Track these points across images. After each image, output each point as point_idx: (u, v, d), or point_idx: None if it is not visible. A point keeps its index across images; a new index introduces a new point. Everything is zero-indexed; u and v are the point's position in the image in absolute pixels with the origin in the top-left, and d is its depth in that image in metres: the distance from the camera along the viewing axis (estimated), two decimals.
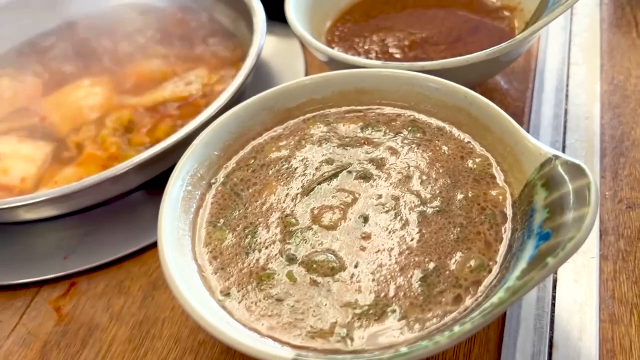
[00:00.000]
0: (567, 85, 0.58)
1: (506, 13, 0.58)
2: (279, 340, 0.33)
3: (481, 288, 0.34)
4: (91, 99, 0.64)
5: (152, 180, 0.52)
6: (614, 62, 0.59)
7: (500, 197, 0.38)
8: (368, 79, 0.46)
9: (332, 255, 0.37)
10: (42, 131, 0.61)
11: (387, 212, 0.39)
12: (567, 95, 0.57)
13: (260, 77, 0.65)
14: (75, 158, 0.57)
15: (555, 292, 0.42)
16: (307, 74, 0.65)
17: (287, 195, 0.41)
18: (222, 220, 0.40)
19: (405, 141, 0.43)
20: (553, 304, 0.41)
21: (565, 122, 0.54)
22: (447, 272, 0.35)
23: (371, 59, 0.55)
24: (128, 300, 0.46)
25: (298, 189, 0.41)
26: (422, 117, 0.45)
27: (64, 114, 0.62)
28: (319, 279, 0.36)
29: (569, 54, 0.61)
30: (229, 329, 0.32)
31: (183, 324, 0.44)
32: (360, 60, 0.49)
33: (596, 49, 0.61)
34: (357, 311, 0.34)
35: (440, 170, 0.41)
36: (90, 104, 0.63)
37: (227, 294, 0.36)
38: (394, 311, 0.34)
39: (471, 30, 0.57)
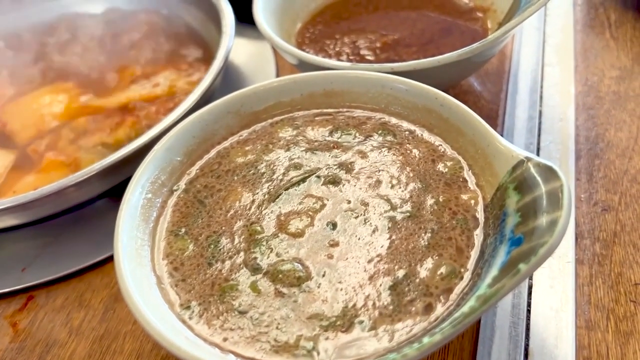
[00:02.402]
0: (542, 87, 0.57)
1: (479, 14, 0.57)
2: (241, 355, 0.32)
3: (452, 296, 0.33)
4: (54, 106, 0.61)
5: (117, 188, 0.50)
6: (587, 63, 0.59)
7: (472, 201, 0.37)
8: (337, 80, 0.45)
9: (298, 264, 0.35)
10: (2, 139, 0.59)
11: (356, 218, 0.37)
12: (541, 97, 0.56)
13: (230, 81, 0.63)
14: (35, 166, 0.55)
15: (530, 299, 0.40)
16: (278, 77, 0.63)
17: (252, 202, 0.39)
18: (183, 229, 0.38)
19: (376, 145, 0.42)
20: (528, 311, 0.40)
21: (539, 124, 0.53)
22: (418, 280, 0.34)
23: (342, 61, 0.54)
24: (88, 314, 0.44)
25: (264, 195, 0.40)
26: (393, 120, 0.44)
27: (25, 122, 0.60)
28: (285, 290, 0.34)
29: (543, 55, 0.61)
30: (187, 344, 0.31)
31: (145, 338, 0.42)
32: (330, 62, 0.48)
33: (570, 50, 0.61)
34: (324, 323, 0.32)
35: (411, 175, 0.39)
36: (52, 112, 0.60)
37: (187, 307, 0.34)
38: (361, 322, 0.32)
39: (444, 31, 0.56)
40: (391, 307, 0.33)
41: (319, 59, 0.48)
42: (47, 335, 0.43)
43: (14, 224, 0.49)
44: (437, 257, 0.35)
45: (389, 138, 0.42)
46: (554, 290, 0.41)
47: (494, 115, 0.54)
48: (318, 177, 0.40)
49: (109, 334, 0.42)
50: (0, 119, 0.61)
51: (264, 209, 0.39)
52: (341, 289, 0.34)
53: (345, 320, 0.32)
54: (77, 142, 0.56)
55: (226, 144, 0.44)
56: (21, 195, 0.45)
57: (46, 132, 0.58)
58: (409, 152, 0.41)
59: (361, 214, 0.37)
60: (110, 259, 0.47)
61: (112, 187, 0.50)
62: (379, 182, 0.39)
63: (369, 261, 0.35)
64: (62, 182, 0.45)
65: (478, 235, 0.35)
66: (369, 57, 0.54)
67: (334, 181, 0.40)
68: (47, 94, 0.63)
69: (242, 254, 0.36)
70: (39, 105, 0.62)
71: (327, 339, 0.32)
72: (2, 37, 0.71)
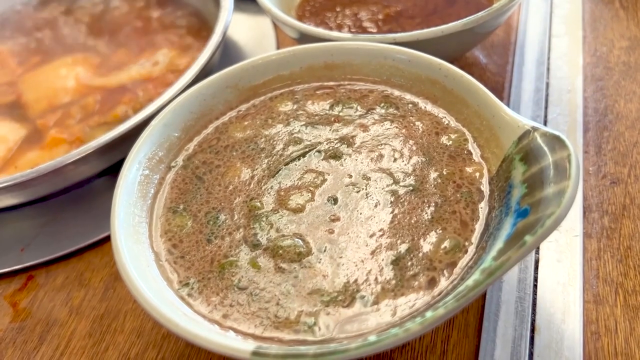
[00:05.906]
0: (549, 58, 0.56)
1: None
2: (241, 332, 0.31)
3: (457, 270, 0.32)
4: (68, 80, 0.60)
5: (117, 166, 0.49)
6: (596, 33, 0.57)
7: (477, 174, 0.36)
8: (338, 52, 0.43)
9: (299, 240, 0.34)
10: (17, 110, 0.58)
11: (357, 192, 0.36)
12: (548, 69, 0.55)
13: (230, 58, 0.62)
14: (41, 141, 0.54)
15: (537, 273, 0.40)
16: None
17: (252, 177, 0.39)
18: (182, 206, 0.38)
19: (378, 118, 0.41)
20: (535, 286, 0.39)
21: (546, 96, 0.52)
22: (421, 254, 0.33)
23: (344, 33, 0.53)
24: (89, 293, 0.43)
25: (264, 171, 0.39)
26: (395, 92, 0.42)
27: (39, 94, 0.59)
28: (285, 266, 0.33)
29: (550, 25, 0.59)
30: (186, 321, 0.30)
31: (146, 316, 0.41)
32: (331, 33, 0.47)
33: (578, 20, 0.59)
34: (325, 298, 0.32)
35: (414, 148, 0.38)
36: (65, 86, 0.59)
37: (186, 284, 0.33)
38: (363, 297, 0.31)
39: (448, 2, 0.55)
40: (394, 282, 0.32)
41: (320, 31, 0.47)
42: (47, 315, 0.43)
43: (13, 203, 0.48)
44: (440, 231, 0.34)
45: (391, 111, 0.41)
46: (561, 265, 0.40)
47: (500, 88, 0.53)
48: (319, 151, 0.39)
49: (110, 313, 0.42)
50: (17, 90, 0.61)
51: (264, 185, 0.38)
52: (342, 264, 0.33)
53: (347, 296, 0.32)
54: (82, 120, 0.55)
55: (225, 119, 0.43)
56: (18, 174, 0.44)
57: (57, 106, 0.57)
58: (412, 124, 0.40)
59: (363, 188, 0.37)
60: (109, 238, 0.47)
61: (111, 165, 0.49)
62: (381, 155, 0.38)
63: (371, 236, 0.34)
64: (60, 160, 0.44)
65: (483, 208, 0.34)
66: (371, 30, 0.53)
67: (335, 155, 0.39)
68: (64, 66, 0.62)
69: (241, 230, 0.36)
70: (55, 77, 0.61)
71: (328, 314, 0.31)
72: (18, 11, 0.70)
